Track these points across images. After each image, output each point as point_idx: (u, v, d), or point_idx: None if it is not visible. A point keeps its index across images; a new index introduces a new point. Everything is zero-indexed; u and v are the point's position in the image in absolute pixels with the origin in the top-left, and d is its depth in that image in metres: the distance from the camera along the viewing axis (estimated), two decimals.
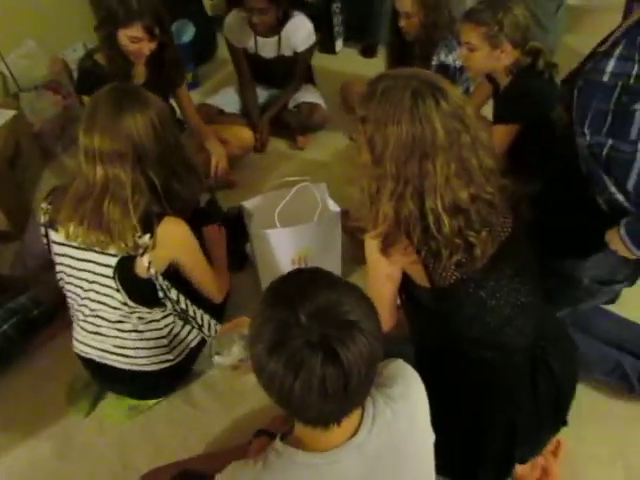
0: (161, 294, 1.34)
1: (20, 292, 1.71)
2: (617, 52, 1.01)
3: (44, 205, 1.33)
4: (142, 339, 1.40)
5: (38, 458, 1.48)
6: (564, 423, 1.26)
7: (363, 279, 1.22)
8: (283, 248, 1.59)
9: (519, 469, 1.33)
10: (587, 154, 1.12)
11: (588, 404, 1.46)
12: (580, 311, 1.44)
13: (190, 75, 2.71)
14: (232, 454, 1.07)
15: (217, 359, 1.09)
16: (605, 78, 1.03)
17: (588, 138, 1.10)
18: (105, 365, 1.43)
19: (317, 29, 2.39)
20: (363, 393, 0.75)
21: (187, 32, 2.70)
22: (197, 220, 1.75)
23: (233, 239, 1.96)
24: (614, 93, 1.02)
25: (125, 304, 1.34)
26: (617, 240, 1.14)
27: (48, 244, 1.38)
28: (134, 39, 1.79)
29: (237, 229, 1.97)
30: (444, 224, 0.97)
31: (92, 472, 1.45)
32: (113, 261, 1.27)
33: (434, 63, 2.05)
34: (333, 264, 1.71)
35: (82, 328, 1.42)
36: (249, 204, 1.65)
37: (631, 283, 1.33)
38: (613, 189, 1.12)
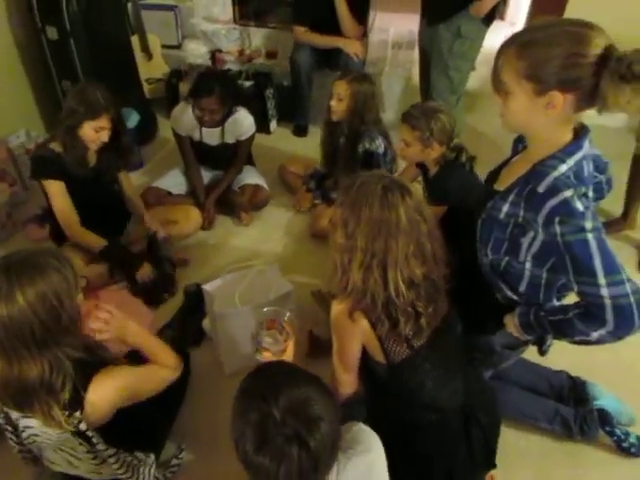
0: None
1: None
2: (510, 198, 1.26)
3: None
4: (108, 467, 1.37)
5: None
6: (494, 465, 1.50)
7: None
8: (244, 325, 1.76)
9: None
10: (488, 267, 1.40)
11: (512, 442, 1.71)
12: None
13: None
14: None
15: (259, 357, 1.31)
16: (501, 216, 1.28)
17: (490, 257, 1.38)
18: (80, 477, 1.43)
19: (253, 112, 2.64)
20: (330, 465, 0.96)
21: (131, 119, 2.87)
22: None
23: (192, 316, 2.12)
24: (508, 227, 1.29)
25: (88, 452, 1.31)
26: (512, 325, 1.39)
27: None
28: (99, 129, 1.99)
29: (195, 306, 2.14)
30: (402, 293, 1.20)
31: None
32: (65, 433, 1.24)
33: (360, 150, 2.35)
34: None
35: (52, 456, 1.37)
36: (209, 287, 1.81)
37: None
38: (508, 292, 1.39)
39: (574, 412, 1.72)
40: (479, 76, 3.34)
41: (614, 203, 2.66)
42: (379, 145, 2.35)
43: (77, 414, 1.19)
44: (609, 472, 1.67)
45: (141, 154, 3.05)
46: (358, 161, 2.35)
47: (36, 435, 1.31)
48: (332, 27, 2.99)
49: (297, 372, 0.99)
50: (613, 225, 2.69)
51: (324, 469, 0.93)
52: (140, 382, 1.35)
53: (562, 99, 1.11)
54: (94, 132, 2.00)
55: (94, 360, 1.24)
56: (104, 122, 2.00)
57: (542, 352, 1.49)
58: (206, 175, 2.73)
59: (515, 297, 1.40)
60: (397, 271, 1.20)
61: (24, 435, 1.33)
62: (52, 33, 2.62)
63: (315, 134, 3.34)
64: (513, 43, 1.15)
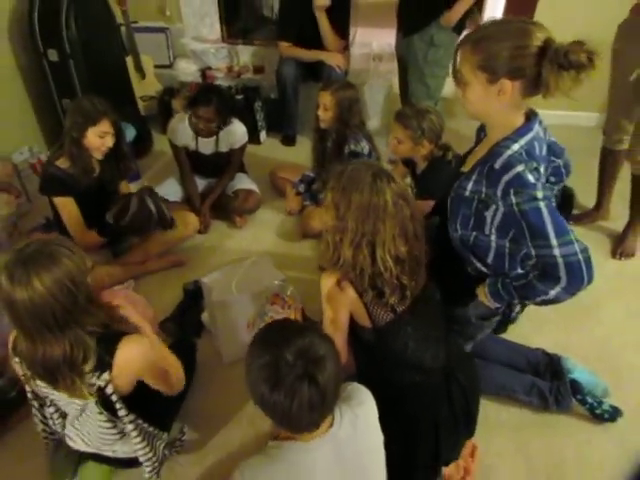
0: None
1: None
2: (473, 177, 1.42)
3: (16, 360, 1.36)
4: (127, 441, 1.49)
5: None
6: (473, 432, 1.62)
7: None
8: (240, 313, 1.89)
9: (446, 471, 1.65)
10: (458, 242, 1.55)
11: (493, 415, 1.84)
12: (478, 344, 1.86)
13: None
14: None
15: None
16: (467, 193, 1.44)
17: (459, 232, 1.53)
18: (95, 454, 1.54)
19: (244, 123, 2.80)
20: (334, 402, 1.10)
21: (128, 133, 3.03)
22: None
23: (190, 311, 2.25)
24: (473, 203, 1.44)
25: (109, 421, 1.43)
26: (483, 295, 1.53)
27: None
28: (102, 133, 2.14)
29: (193, 302, 2.27)
30: (389, 268, 1.35)
31: None
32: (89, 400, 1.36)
33: (346, 152, 2.51)
34: None
35: (72, 432, 1.52)
36: (207, 279, 1.95)
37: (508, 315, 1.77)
38: (478, 264, 1.55)
39: (550, 384, 1.85)
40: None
41: (587, 196, 2.82)
42: (364, 147, 2.51)
43: (105, 375, 1.29)
44: (585, 440, 1.79)
45: (138, 166, 3.20)
46: (345, 162, 2.50)
47: (60, 408, 1.45)
48: (315, 42, 3.19)
49: (301, 324, 1.13)
50: (587, 216, 2.85)
51: (330, 403, 1.07)
52: (159, 356, 1.45)
53: (511, 86, 1.28)
54: (99, 138, 2.14)
55: (116, 332, 1.35)
56: (106, 126, 2.14)
57: (511, 319, 1.63)
58: (200, 183, 2.88)
59: (484, 269, 1.54)
60: (385, 249, 1.35)
61: (50, 411, 1.46)
62: (53, 55, 2.79)
63: (303, 143, 3.54)
64: (468, 40, 1.33)
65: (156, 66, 3.71)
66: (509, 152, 1.32)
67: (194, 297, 2.27)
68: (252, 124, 3.46)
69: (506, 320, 1.79)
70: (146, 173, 3.27)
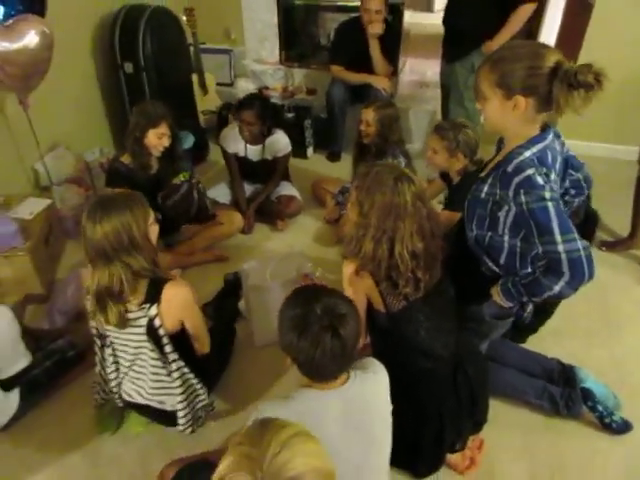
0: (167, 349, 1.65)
1: (55, 339, 2.09)
2: (489, 181, 1.53)
3: (89, 299, 1.62)
4: (173, 386, 1.69)
5: (71, 469, 1.81)
6: (480, 424, 1.73)
7: None
8: (273, 298, 2.07)
9: (452, 459, 1.75)
10: (474, 242, 1.68)
11: (503, 415, 1.91)
12: (492, 347, 1.95)
13: (188, 174, 3.32)
14: None
15: None
16: (483, 196, 1.56)
17: (475, 232, 1.65)
18: (143, 405, 1.76)
19: (293, 140, 3.05)
20: (352, 357, 1.24)
21: (188, 140, 3.34)
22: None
23: (229, 299, 2.45)
24: (488, 204, 1.54)
25: (159, 359, 1.64)
26: (496, 294, 1.62)
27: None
28: (161, 135, 2.44)
29: (232, 291, 2.48)
30: (405, 263, 1.49)
31: (118, 478, 1.79)
32: (142, 330, 1.60)
33: None
34: None
35: (127, 380, 1.75)
36: (246, 265, 2.15)
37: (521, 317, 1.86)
38: (490, 264, 1.66)
39: (561, 390, 1.91)
40: None
41: (623, 225, 2.87)
42: (400, 162, 2.66)
43: (154, 308, 1.55)
44: (590, 445, 1.84)
45: (194, 171, 3.50)
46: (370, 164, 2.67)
47: (116, 352, 1.69)
48: (364, 66, 3.42)
49: (329, 288, 1.30)
50: (621, 244, 2.88)
51: (349, 356, 1.22)
52: (197, 315, 1.70)
53: (524, 102, 1.43)
54: (157, 138, 2.45)
55: (163, 276, 1.63)
56: (164, 129, 2.44)
57: (524, 319, 1.72)
58: (248, 188, 3.13)
59: (496, 269, 1.66)
60: (403, 245, 1.49)
61: (108, 352, 1.69)
62: (129, 68, 3.16)
63: (347, 159, 3.72)
64: (488, 61, 1.50)
65: (218, 84, 4.05)
66: (521, 157, 1.46)
67: (233, 286, 2.48)
68: (301, 140, 3.71)
69: (520, 323, 1.88)
70: (201, 178, 3.54)
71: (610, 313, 2.42)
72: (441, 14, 3.12)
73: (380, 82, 3.40)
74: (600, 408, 1.87)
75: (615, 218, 2.96)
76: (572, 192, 1.73)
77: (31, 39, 2.37)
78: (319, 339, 1.15)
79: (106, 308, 1.56)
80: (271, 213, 3.04)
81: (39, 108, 2.58)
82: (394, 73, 3.59)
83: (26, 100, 2.55)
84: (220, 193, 3.08)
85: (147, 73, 3.17)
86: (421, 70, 4.36)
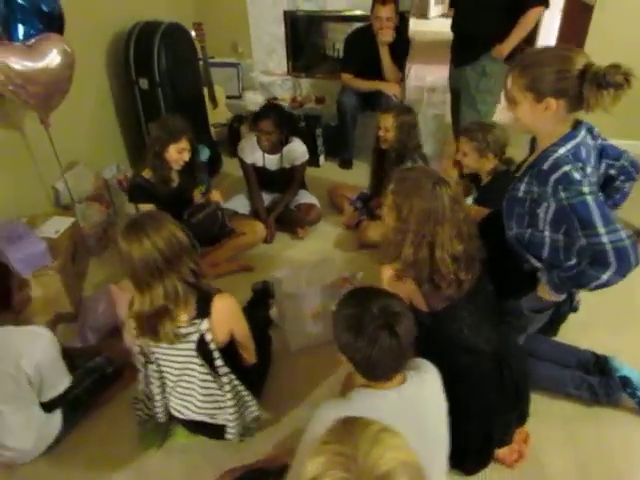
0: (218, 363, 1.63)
1: (91, 356, 2.08)
2: (525, 180, 1.61)
3: (132, 323, 1.61)
4: (224, 399, 1.68)
5: None
6: (524, 418, 1.74)
7: None
8: (307, 304, 2.10)
9: (500, 453, 1.76)
10: (514, 240, 1.72)
11: (544, 408, 1.93)
12: (526, 341, 1.97)
13: (204, 187, 3.35)
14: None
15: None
16: (520, 194, 1.62)
17: (515, 230, 1.70)
18: (193, 421, 1.75)
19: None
20: (407, 357, 1.26)
21: (204, 153, 3.36)
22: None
23: (259, 307, 2.47)
24: (526, 202, 1.61)
25: (209, 374, 1.64)
26: (546, 293, 1.67)
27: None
28: (181, 149, 2.46)
29: (261, 300, 2.49)
30: (447, 266, 1.51)
31: None
32: (192, 345, 1.58)
33: None
34: None
35: (175, 397, 1.74)
36: (278, 273, 2.18)
37: (558, 310, 1.90)
38: (533, 260, 1.70)
39: (599, 379, 1.94)
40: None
41: None
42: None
43: (205, 323, 1.54)
44: (632, 432, 1.87)
45: (211, 184, 3.52)
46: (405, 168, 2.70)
47: (162, 368, 1.67)
48: (374, 73, 3.47)
49: (381, 290, 1.32)
50: None
51: (405, 355, 1.24)
52: (244, 326, 1.71)
53: (556, 104, 1.49)
54: (177, 153, 2.47)
55: (210, 289, 1.62)
56: (184, 143, 2.47)
57: (573, 309, 1.76)
58: (266, 197, 3.16)
59: (539, 264, 1.69)
60: (443, 250, 1.51)
61: (153, 368, 1.68)
62: (144, 84, 3.20)
63: (358, 166, 3.79)
64: (517, 66, 1.55)
65: (227, 97, 4.10)
66: (556, 155, 1.50)
67: (262, 295, 2.50)
68: (312, 149, 3.73)
69: (558, 318, 1.92)
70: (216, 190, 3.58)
71: (636, 301, 2.46)
72: (436, 21, 3.19)
73: (391, 88, 3.45)
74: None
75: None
76: (621, 178, 1.76)
77: (53, 58, 2.39)
78: (376, 338, 1.17)
79: (157, 328, 1.54)
80: (291, 221, 3.07)
81: (57, 126, 2.60)
82: (402, 79, 3.64)
83: (47, 119, 2.57)
84: (239, 204, 3.10)
85: (162, 89, 3.21)
86: (420, 75, 4.43)
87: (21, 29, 2.35)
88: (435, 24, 7.19)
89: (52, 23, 2.45)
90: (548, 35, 5.03)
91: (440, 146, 3.80)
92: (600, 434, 1.88)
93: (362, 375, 1.27)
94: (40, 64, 2.35)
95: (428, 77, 4.41)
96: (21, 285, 1.81)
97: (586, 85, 1.40)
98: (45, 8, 2.40)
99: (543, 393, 1.98)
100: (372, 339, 1.17)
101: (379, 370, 1.23)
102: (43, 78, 2.38)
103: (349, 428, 0.89)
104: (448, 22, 3.15)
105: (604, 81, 1.38)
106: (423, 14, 6.85)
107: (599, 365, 1.99)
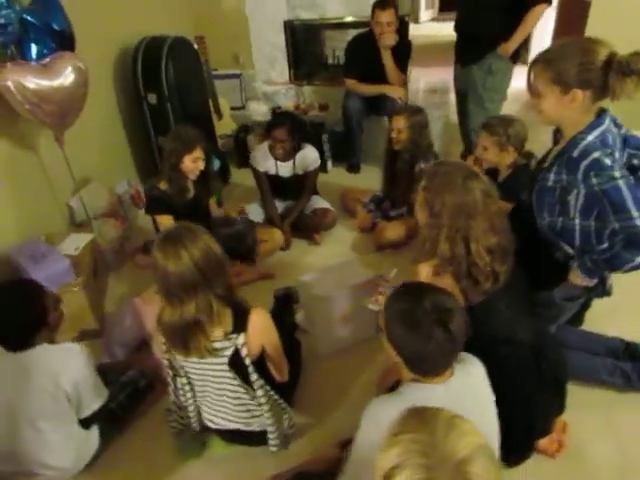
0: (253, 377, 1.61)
1: (122, 371, 2.07)
2: (554, 169, 1.64)
3: (161, 337, 1.60)
4: (259, 409, 1.67)
5: None
6: (563, 407, 1.74)
7: None
8: (336, 306, 2.10)
9: (540, 444, 1.76)
10: (547, 229, 1.74)
11: (580, 396, 1.92)
12: (558, 331, 2.00)
13: (216, 197, 3.37)
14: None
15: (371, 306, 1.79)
16: (550, 184, 1.64)
17: (547, 219, 1.72)
18: (227, 430, 1.74)
19: None
20: (459, 351, 1.27)
21: (215, 164, 3.38)
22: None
23: (283, 314, 2.47)
24: (556, 191, 1.65)
25: (240, 386, 1.62)
26: (577, 278, 1.68)
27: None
28: (196, 159, 2.48)
29: (285, 305, 2.50)
30: (483, 259, 1.51)
31: None
32: (225, 360, 1.56)
33: (417, 171, 2.75)
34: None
35: (207, 407, 1.73)
36: (306, 277, 2.18)
37: (588, 298, 1.92)
38: (566, 247, 1.72)
39: (631, 365, 1.96)
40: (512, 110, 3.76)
41: None
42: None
43: (242, 337, 1.52)
44: None
45: (222, 196, 3.54)
46: (415, 181, 2.73)
47: (192, 381, 1.66)
48: (377, 77, 3.51)
49: (432, 285, 1.32)
50: None
51: (458, 351, 1.24)
52: (276, 340, 1.68)
53: (582, 95, 1.52)
54: (192, 163, 2.49)
55: (244, 303, 1.61)
56: (198, 152, 2.49)
57: (606, 292, 1.77)
58: (279, 205, 3.17)
59: (571, 251, 1.71)
60: (478, 243, 1.51)
61: (182, 381, 1.67)
62: (152, 99, 3.22)
63: (366, 170, 3.82)
64: (540, 60, 1.58)
65: (231, 108, 4.12)
66: (585, 142, 1.53)
67: (284, 302, 2.50)
68: (320, 155, 3.74)
69: (585, 305, 1.93)
70: (226, 201, 3.59)
71: None
72: (427, 25, 3.25)
73: (395, 91, 3.49)
74: None
75: None
76: None
77: (67, 76, 2.41)
78: (431, 333, 1.17)
79: (187, 341, 1.52)
80: (307, 227, 3.08)
81: (68, 144, 2.61)
82: (405, 82, 3.68)
83: (62, 137, 2.58)
84: (253, 213, 3.11)
85: (171, 103, 3.23)
86: (426, 77, 4.48)
87: (34, 48, 2.37)
88: (425, 28, 7.29)
89: (64, 42, 2.48)
90: (543, 33, 5.11)
91: (443, 147, 3.84)
92: (637, 419, 1.89)
93: (411, 370, 1.28)
94: (55, 82, 2.37)
95: (422, 79, 4.47)
96: (56, 302, 1.81)
97: (612, 74, 1.44)
98: (56, 27, 2.42)
99: (575, 382, 1.98)
100: (427, 335, 1.18)
101: (431, 365, 1.24)
102: (58, 97, 2.40)
103: (421, 417, 0.90)
104: (439, 26, 3.23)
105: (628, 69, 1.41)
106: (414, 18, 6.95)
107: (629, 351, 2.00)
